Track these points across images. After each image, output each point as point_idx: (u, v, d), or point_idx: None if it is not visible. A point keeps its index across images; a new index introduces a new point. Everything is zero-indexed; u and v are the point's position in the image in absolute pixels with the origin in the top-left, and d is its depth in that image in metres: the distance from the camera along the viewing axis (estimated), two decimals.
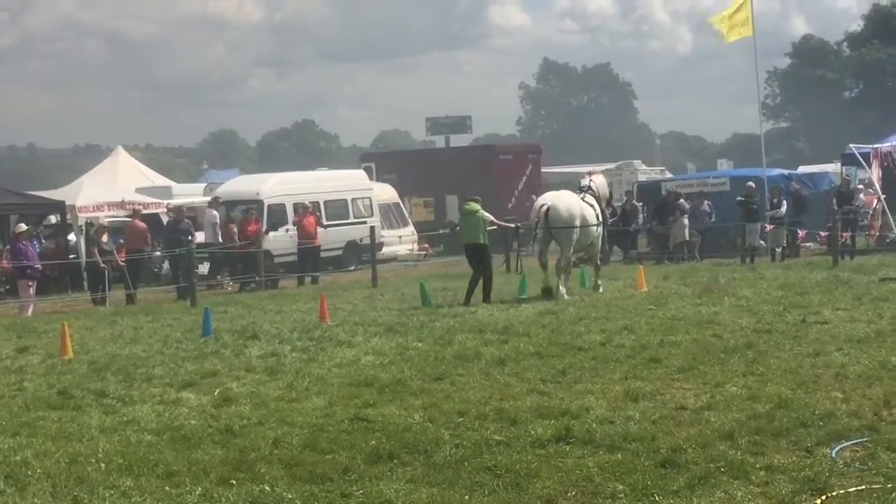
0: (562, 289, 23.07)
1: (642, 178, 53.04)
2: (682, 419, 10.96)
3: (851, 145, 27.97)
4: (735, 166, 64.94)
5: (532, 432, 10.55)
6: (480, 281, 23.32)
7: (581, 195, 24.68)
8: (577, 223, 23.73)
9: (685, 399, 11.88)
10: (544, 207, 23.83)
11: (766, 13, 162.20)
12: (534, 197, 40.73)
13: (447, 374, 13.99)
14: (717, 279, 24.66)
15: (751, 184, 33.60)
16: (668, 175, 57.08)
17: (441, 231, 41.32)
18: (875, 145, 27.72)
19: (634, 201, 37.80)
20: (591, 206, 24.39)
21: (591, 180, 25.37)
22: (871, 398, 11.43)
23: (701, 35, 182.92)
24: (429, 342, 16.85)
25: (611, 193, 26.12)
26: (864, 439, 9.81)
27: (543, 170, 51.08)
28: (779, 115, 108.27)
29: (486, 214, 24.08)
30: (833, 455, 9.39)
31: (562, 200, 24.25)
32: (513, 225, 28.16)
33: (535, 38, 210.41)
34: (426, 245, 41.96)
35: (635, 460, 9.48)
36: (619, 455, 9.68)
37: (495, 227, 25.66)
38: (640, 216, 37.49)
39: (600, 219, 24.68)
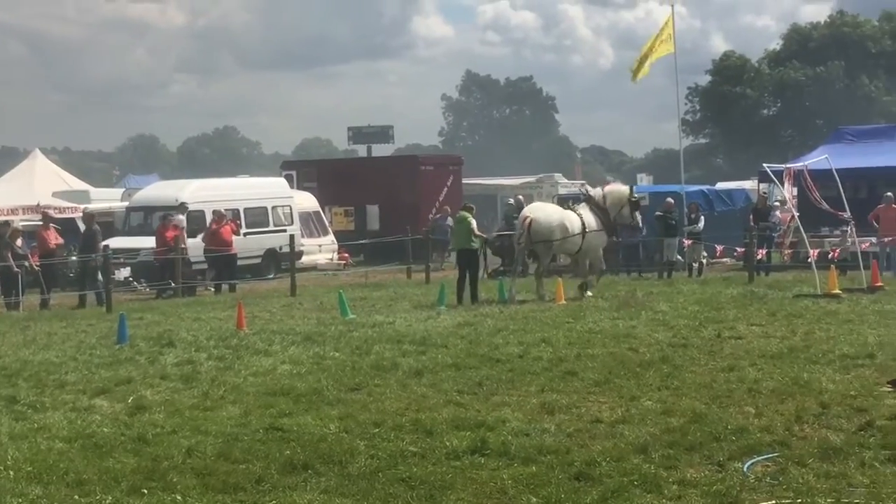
0: (541, 293, 24.56)
1: (563, 191, 53.25)
2: (597, 432, 11.01)
3: (765, 164, 28.25)
4: (655, 181, 65.52)
5: (448, 444, 10.56)
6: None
7: (571, 205, 26.41)
8: (558, 233, 24.87)
9: (601, 412, 11.93)
10: (528, 220, 25.06)
11: (687, 31, 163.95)
12: (447, 209, 41.21)
13: (364, 385, 13.96)
14: (635, 293, 24.82)
15: (669, 199, 33.89)
16: (588, 189, 57.31)
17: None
18: (787, 165, 28.03)
19: None
20: (580, 216, 25.39)
21: (585, 190, 26.97)
22: (783, 413, 11.56)
23: (623, 51, 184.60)
24: (346, 352, 16.81)
25: (636, 203, 26.24)
26: (775, 454, 9.92)
27: (465, 181, 51.12)
28: (698, 131, 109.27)
29: (473, 223, 25.40)
30: (745, 469, 9.48)
31: (543, 212, 25.75)
32: (486, 236, 28.63)
33: (459, 50, 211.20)
34: (346, 255, 41.83)
35: (549, 473, 9.51)
36: (534, 468, 9.71)
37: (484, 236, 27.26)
38: None
39: (590, 228, 25.28)
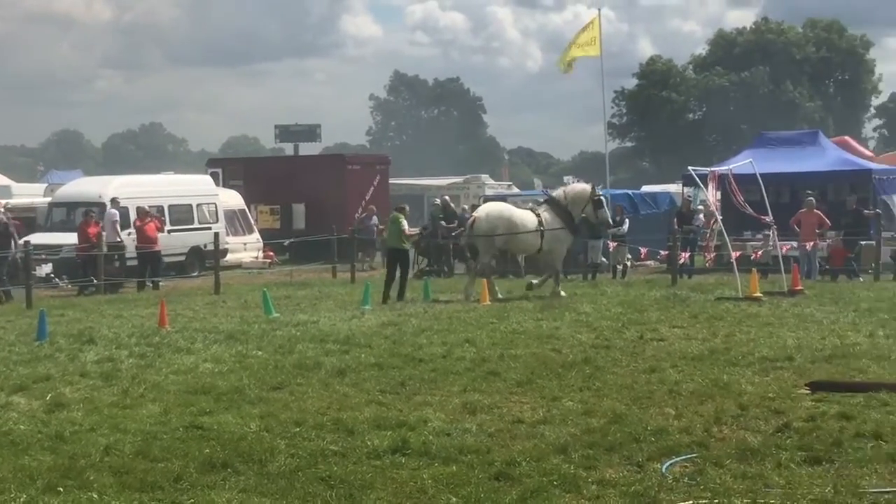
0: (469, 291, 24.99)
1: (489, 192, 53.44)
2: (518, 432, 11.04)
3: (690, 167, 28.51)
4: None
5: (369, 443, 10.54)
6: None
7: (533, 206, 26.50)
8: (500, 230, 25.28)
9: (522, 413, 11.97)
10: (471, 219, 26.07)
11: (615, 34, 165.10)
12: (374, 209, 41.31)
13: (286, 384, 13.89)
14: (559, 294, 24.91)
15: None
16: (516, 190, 57.65)
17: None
18: (712, 168, 28.29)
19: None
20: (539, 215, 25.64)
21: (544, 191, 26.52)
22: (702, 415, 11.65)
23: (550, 53, 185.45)
24: (269, 351, 16.73)
25: (598, 201, 26.07)
26: (694, 455, 10.00)
27: (392, 181, 51.12)
28: (624, 134, 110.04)
29: (404, 223, 25.67)
30: (663, 470, 9.55)
31: (487, 211, 26.17)
32: (416, 235, 28.67)
33: (387, 50, 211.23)
34: (271, 253, 41.65)
35: (470, 473, 9.52)
36: (454, 467, 9.71)
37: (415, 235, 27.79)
38: None
39: (549, 227, 25.47)
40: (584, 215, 26.28)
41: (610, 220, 27.66)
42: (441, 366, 15.11)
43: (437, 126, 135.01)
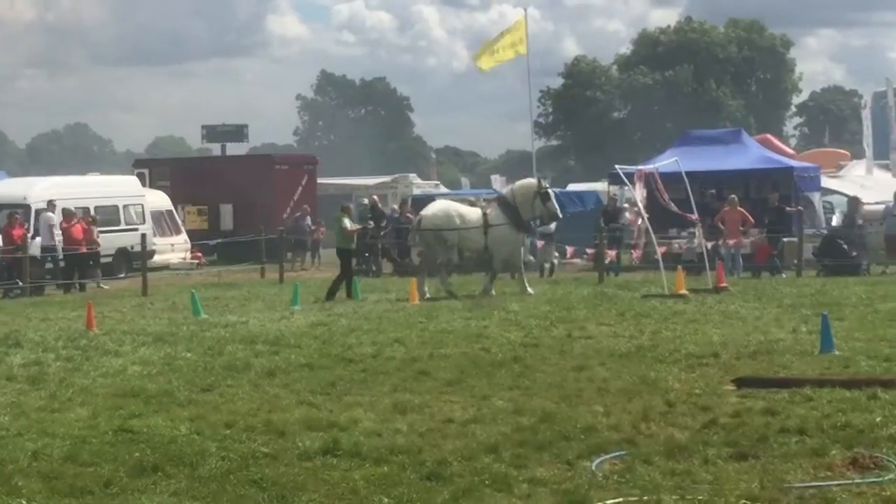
0: (425, 288, 25.28)
1: (417, 191, 53.47)
2: (449, 432, 11.09)
3: (616, 166, 28.75)
4: (508, 182, 65.98)
5: (300, 445, 10.54)
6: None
7: (481, 204, 26.79)
8: (443, 225, 25.60)
9: (452, 412, 12.02)
10: (417, 218, 26.76)
11: (540, 33, 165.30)
12: (307, 208, 41.28)
13: (216, 386, 13.86)
14: (488, 293, 25.02)
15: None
16: (443, 189, 57.75)
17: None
18: (638, 167, 28.54)
19: (409, 214, 37.92)
20: (484, 212, 25.83)
21: (494, 189, 26.70)
22: (630, 412, 11.77)
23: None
24: (198, 353, 16.66)
25: (545, 194, 25.90)
26: (623, 452, 10.10)
27: (320, 181, 50.99)
28: (551, 133, 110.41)
29: (346, 222, 26.32)
30: (593, 468, 9.64)
31: (434, 207, 26.77)
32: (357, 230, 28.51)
33: (314, 49, 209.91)
34: (199, 254, 41.41)
35: (401, 473, 9.55)
36: (386, 468, 9.74)
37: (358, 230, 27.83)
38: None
39: (494, 223, 25.51)
40: (536, 213, 26.11)
41: (559, 213, 27.33)
42: (371, 366, 15.14)
43: (364, 125, 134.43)
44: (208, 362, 15.66)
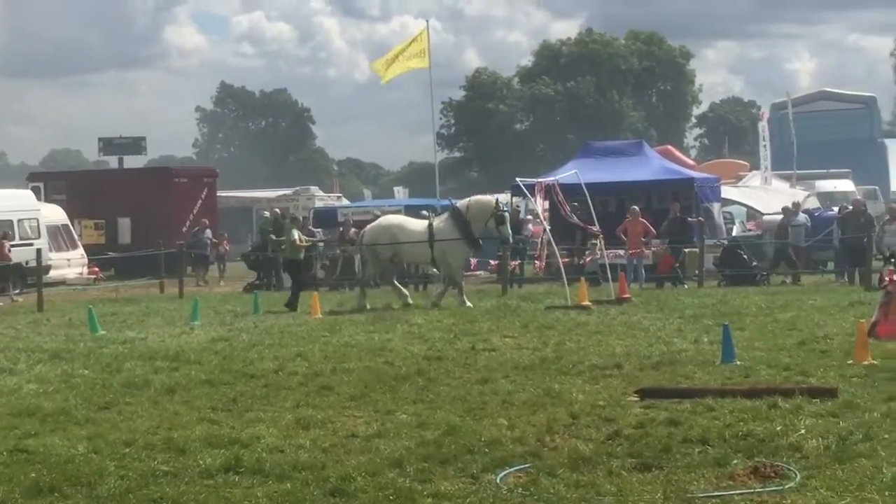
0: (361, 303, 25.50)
1: (319, 204, 53.30)
2: (353, 447, 10.98)
3: (518, 178, 28.88)
4: (411, 194, 66.13)
5: (201, 462, 10.36)
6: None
7: (433, 218, 26.96)
8: (383, 240, 25.92)
9: (356, 427, 11.91)
10: (361, 231, 27.36)
11: (442, 45, 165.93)
12: (206, 222, 40.88)
13: (114, 403, 13.60)
14: (391, 306, 24.95)
15: (424, 212, 34.22)
16: (345, 202, 57.62)
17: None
18: (539, 179, 28.68)
19: (311, 227, 37.75)
20: (431, 225, 25.89)
21: (450, 200, 27.32)
22: (535, 425, 11.74)
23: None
24: (96, 370, 16.37)
25: (501, 216, 25.62)
26: (527, 465, 10.06)
27: (220, 194, 50.63)
28: (453, 144, 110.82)
29: (295, 234, 27.04)
30: (498, 481, 9.58)
31: (376, 223, 27.13)
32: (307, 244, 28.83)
33: (213, 61, 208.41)
34: (96, 269, 40.80)
35: (304, 489, 9.43)
36: (289, 484, 9.60)
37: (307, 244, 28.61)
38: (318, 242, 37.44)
39: (440, 237, 25.45)
40: (485, 229, 25.84)
41: (510, 238, 27.08)
42: (273, 381, 14.98)
43: (265, 138, 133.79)
44: (106, 379, 15.38)
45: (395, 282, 26.73)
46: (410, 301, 25.58)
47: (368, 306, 25.14)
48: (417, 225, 26.28)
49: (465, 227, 25.60)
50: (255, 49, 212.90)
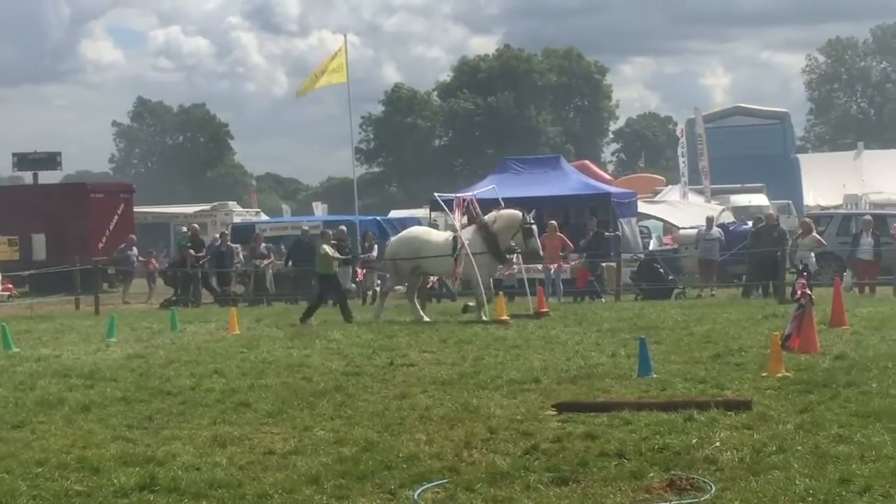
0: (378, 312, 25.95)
1: (237, 219, 53.03)
2: (270, 464, 10.91)
3: (435, 193, 28.98)
4: (330, 210, 65.99)
5: (115, 481, 10.24)
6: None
7: (452, 231, 26.32)
8: (403, 253, 25.79)
9: (273, 443, 11.84)
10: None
11: (360, 60, 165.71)
12: (133, 238, 40.44)
13: (27, 422, 13.40)
14: (309, 322, 24.85)
15: (342, 227, 34.20)
16: (264, 217, 57.38)
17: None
18: (458, 194, 28.75)
19: (230, 242, 37.47)
20: (458, 237, 25.37)
21: (475, 216, 26.29)
22: (452, 440, 11.75)
23: (296, 78, 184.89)
24: (9, 388, 16.11)
25: (528, 229, 25.12)
26: (445, 480, 10.06)
27: (137, 209, 50.15)
28: (372, 159, 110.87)
29: (327, 249, 26.62)
30: (415, 497, 9.58)
31: (399, 236, 27.36)
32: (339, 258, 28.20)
33: (129, 76, 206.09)
34: (10, 285, 40.23)
35: None
36: (205, 503, 9.53)
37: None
38: (238, 257, 37.18)
39: (469, 250, 25.02)
40: (516, 246, 25.51)
41: (540, 251, 26.64)
42: (190, 398, 14.84)
43: (183, 153, 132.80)
44: (19, 398, 15.16)
45: (415, 299, 25.99)
46: (427, 319, 24.91)
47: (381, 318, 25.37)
48: (441, 237, 26.04)
49: (492, 241, 25.27)
50: (173, 64, 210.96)
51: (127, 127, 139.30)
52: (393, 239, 27.14)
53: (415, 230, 27.58)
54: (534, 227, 25.56)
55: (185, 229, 39.49)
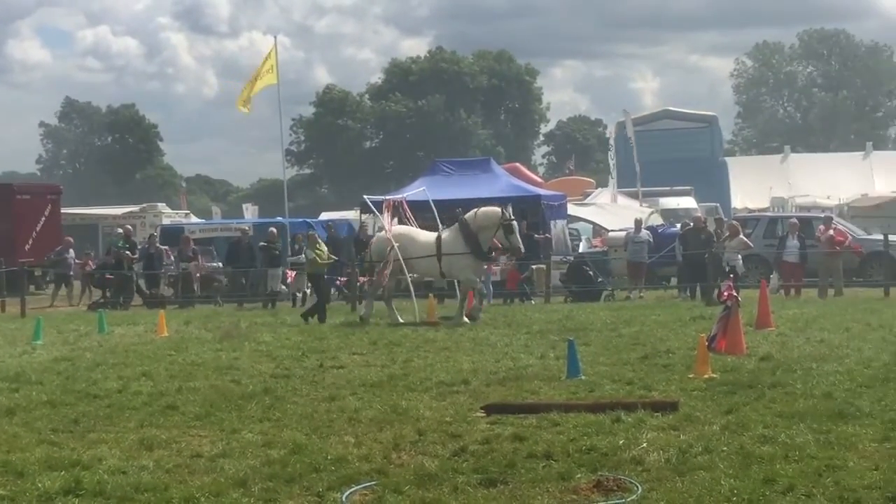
0: (363, 311, 25.90)
1: (167, 221, 52.66)
2: (197, 467, 10.84)
3: (365, 195, 29.01)
4: (260, 211, 65.67)
5: (40, 486, 10.13)
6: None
7: (443, 229, 26.33)
8: (390, 254, 25.51)
9: (201, 447, 11.77)
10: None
11: (291, 62, 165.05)
12: (71, 241, 40.00)
13: None
14: (239, 324, 24.74)
15: (272, 229, 34.11)
16: (194, 219, 57.03)
17: None
18: (387, 196, 28.78)
19: (159, 244, 37.16)
20: (440, 237, 25.41)
21: (459, 212, 26.42)
22: (381, 442, 11.74)
23: (226, 79, 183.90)
24: None
25: (509, 226, 24.81)
26: (373, 483, 10.05)
27: (65, 211, 49.62)
28: (303, 161, 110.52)
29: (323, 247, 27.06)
30: (343, 499, 9.56)
31: (382, 235, 26.82)
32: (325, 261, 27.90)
33: (57, 76, 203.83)
34: None
35: None
36: None
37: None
38: (168, 259, 36.90)
39: (449, 250, 24.99)
40: (498, 243, 25.46)
41: (521, 248, 26.26)
42: (117, 401, 14.72)
43: (111, 154, 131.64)
44: None
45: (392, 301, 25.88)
46: (401, 320, 24.79)
47: (401, 319, 25.05)
48: (426, 237, 25.80)
49: (473, 239, 24.99)
50: (102, 64, 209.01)
51: (54, 127, 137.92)
52: (376, 239, 26.96)
53: (400, 229, 26.84)
54: (514, 223, 25.31)
55: (119, 230, 39.11)
